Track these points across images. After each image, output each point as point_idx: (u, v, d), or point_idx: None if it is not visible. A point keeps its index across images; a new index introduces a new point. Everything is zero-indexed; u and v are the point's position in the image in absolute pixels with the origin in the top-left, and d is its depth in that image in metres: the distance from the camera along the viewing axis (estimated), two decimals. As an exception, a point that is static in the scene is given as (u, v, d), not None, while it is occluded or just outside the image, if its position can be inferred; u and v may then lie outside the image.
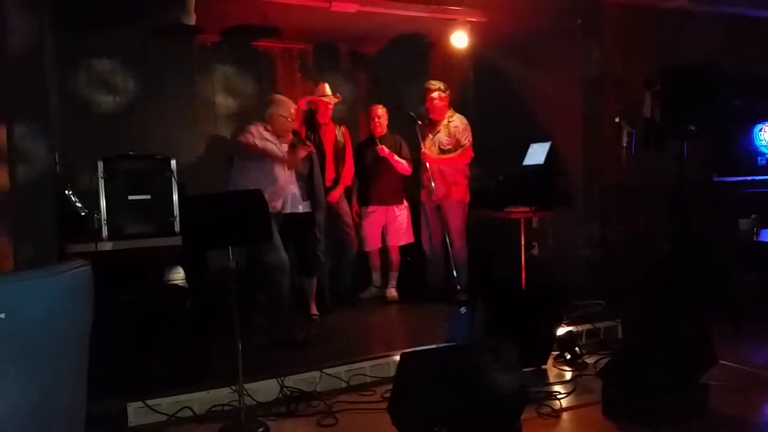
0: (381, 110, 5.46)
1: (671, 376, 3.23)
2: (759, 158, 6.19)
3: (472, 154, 5.49)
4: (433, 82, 5.50)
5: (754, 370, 3.98)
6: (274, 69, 6.02)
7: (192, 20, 4.43)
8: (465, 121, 5.52)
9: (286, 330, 4.40)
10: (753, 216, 4.81)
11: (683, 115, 4.84)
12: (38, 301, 1.47)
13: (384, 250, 5.72)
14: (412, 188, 5.72)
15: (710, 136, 5.31)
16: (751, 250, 4.98)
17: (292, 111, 4.52)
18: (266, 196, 3.81)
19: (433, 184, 5.35)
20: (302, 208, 5.00)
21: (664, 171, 5.30)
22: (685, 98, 4.83)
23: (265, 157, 4.31)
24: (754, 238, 4.75)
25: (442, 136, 5.48)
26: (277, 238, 4.34)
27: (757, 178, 6.05)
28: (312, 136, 5.29)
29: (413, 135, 5.54)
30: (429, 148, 5.49)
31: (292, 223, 4.90)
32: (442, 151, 5.47)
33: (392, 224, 5.59)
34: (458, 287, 5.38)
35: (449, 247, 5.43)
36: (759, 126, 6.24)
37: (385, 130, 5.46)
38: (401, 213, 5.62)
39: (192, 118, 5.73)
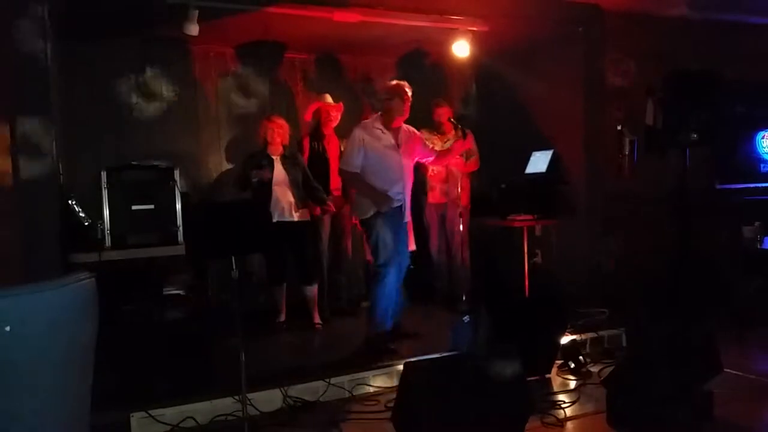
0: None
1: (676, 385, 3.22)
2: (762, 165, 6.19)
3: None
4: (438, 98, 5.78)
5: (759, 378, 3.96)
6: (276, 78, 6.04)
7: (195, 31, 4.45)
8: (470, 132, 5.60)
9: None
10: (756, 223, 4.80)
11: (685, 123, 4.83)
12: (43, 314, 1.47)
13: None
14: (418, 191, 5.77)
15: (712, 144, 5.30)
16: (755, 258, 4.97)
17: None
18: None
19: (451, 188, 5.47)
20: (298, 216, 5.01)
21: (667, 179, 5.30)
22: (687, 106, 4.83)
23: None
24: (758, 246, 4.75)
25: (452, 142, 5.55)
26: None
27: (760, 185, 6.05)
28: (317, 146, 5.34)
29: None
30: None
31: (289, 231, 4.92)
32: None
33: None
34: (464, 295, 5.43)
35: (455, 253, 5.49)
36: (761, 133, 6.24)
37: None
38: None
39: (195, 128, 5.75)
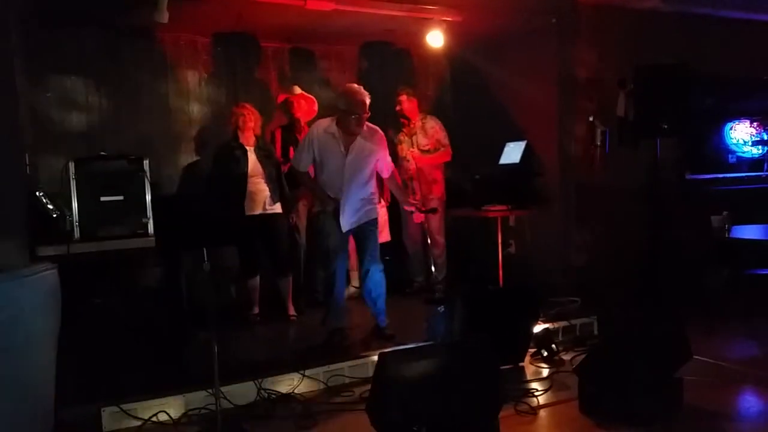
0: None
1: (646, 372, 3.27)
2: (730, 156, 6.32)
3: (451, 153, 5.60)
4: (402, 86, 5.68)
5: (727, 365, 4.04)
6: (249, 67, 5.97)
7: (165, 19, 4.37)
8: (439, 122, 5.66)
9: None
10: (724, 213, 4.88)
11: (656, 114, 4.90)
12: (4, 305, 1.43)
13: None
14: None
15: (682, 135, 5.40)
16: (722, 247, 5.06)
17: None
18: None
19: (416, 185, 5.48)
20: (272, 209, 4.97)
21: (638, 169, 5.36)
22: (658, 97, 4.90)
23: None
24: (726, 235, 4.82)
25: (420, 138, 5.58)
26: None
27: (728, 175, 6.18)
28: (289, 138, 5.29)
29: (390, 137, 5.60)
30: (408, 149, 5.54)
31: (263, 223, 4.89)
32: (421, 152, 5.58)
33: None
34: (438, 285, 5.46)
35: (429, 245, 5.52)
36: (730, 125, 6.36)
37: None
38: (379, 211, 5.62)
39: (166, 118, 5.65)
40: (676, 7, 5.64)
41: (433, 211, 5.18)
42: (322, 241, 4.39)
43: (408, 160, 5.55)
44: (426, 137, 5.57)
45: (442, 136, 5.58)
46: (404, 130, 5.61)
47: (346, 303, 4.79)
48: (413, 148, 5.55)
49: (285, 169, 5.07)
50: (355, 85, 4.26)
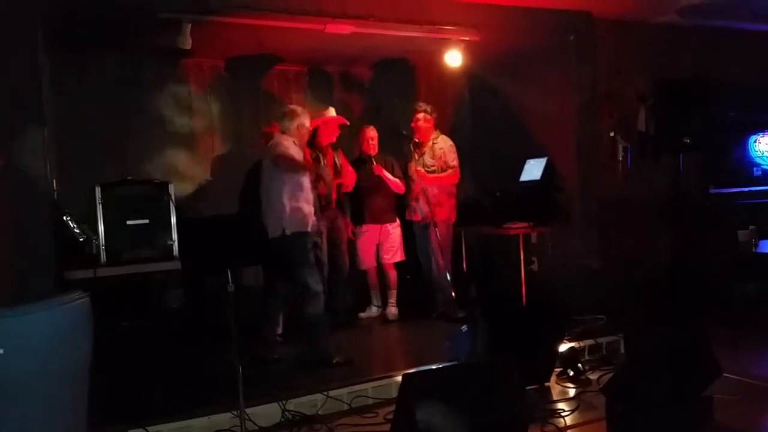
0: (373, 132, 5.51)
1: (675, 390, 3.22)
2: (755, 169, 6.23)
3: (459, 175, 5.52)
4: (421, 104, 5.58)
5: (757, 382, 3.96)
6: (270, 91, 6.05)
7: (188, 44, 4.45)
8: (449, 142, 5.56)
9: (320, 350, 4.32)
10: (751, 227, 4.82)
11: (677, 128, 4.87)
12: (38, 335, 1.45)
13: (380, 269, 5.72)
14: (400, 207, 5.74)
15: (705, 149, 5.34)
16: (750, 262, 4.99)
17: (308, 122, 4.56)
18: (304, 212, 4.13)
19: (422, 205, 5.44)
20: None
21: (661, 184, 5.32)
22: (679, 111, 4.87)
23: (298, 171, 4.30)
24: (753, 249, 4.76)
25: (427, 158, 5.50)
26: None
27: (753, 189, 6.09)
28: (317, 157, 5.31)
29: (404, 154, 5.60)
30: (414, 168, 5.52)
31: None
32: (426, 171, 5.49)
33: (386, 242, 5.61)
34: (446, 305, 5.40)
35: (434, 265, 5.47)
36: (753, 137, 6.29)
37: (377, 150, 5.51)
38: (394, 231, 5.64)
39: (189, 141, 5.74)
40: (694, 20, 5.62)
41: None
42: (304, 261, 4.36)
43: (413, 180, 5.50)
44: (433, 158, 5.47)
45: (451, 158, 5.45)
46: (415, 150, 5.54)
47: (368, 323, 4.76)
48: (420, 167, 5.50)
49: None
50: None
